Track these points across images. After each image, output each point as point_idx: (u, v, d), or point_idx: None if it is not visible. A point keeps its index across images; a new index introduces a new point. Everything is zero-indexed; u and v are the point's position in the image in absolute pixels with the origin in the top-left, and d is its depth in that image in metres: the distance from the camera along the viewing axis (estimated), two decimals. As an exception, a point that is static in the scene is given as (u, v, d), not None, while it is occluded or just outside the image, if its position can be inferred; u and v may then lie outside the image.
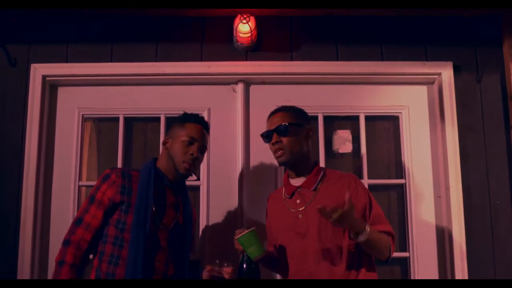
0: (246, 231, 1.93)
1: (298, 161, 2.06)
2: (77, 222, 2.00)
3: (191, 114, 2.17)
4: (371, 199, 2.04)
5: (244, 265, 1.95)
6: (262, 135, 2.12)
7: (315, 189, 2.03)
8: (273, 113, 2.12)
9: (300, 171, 2.08)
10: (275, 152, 2.06)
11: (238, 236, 1.94)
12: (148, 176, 2.05)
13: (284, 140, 2.03)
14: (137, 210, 1.98)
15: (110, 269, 1.95)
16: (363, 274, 1.97)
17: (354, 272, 1.96)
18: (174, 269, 2.07)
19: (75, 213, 2.56)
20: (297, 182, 2.08)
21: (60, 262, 1.94)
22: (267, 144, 2.10)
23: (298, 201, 2.04)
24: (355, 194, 1.99)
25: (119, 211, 2.00)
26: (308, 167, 2.08)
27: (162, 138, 2.56)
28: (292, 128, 2.04)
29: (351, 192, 1.86)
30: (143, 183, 2.03)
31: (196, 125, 2.11)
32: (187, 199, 2.20)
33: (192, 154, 2.06)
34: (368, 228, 1.85)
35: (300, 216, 2.01)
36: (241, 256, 1.97)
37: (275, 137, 2.04)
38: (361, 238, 1.84)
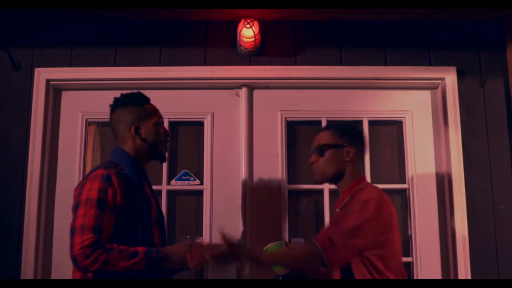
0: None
1: (335, 180, 2.03)
2: (95, 230, 1.73)
3: (142, 95, 2.05)
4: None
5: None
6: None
7: (341, 209, 1.99)
8: (319, 131, 2.11)
9: (340, 188, 2.05)
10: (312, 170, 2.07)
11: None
12: (135, 171, 1.91)
13: (320, 160, 2.02)
14: (141, 213, 1.85)
15: None
16: None
17: None
18: None
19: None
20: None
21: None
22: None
23: None
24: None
25: (121, 219, 1.80)
26: (345, 185, 2.02)
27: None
28: (328, 149, 2.01)
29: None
30: (134, 181, 1.88)
31: (151, 105, 2.05)
32: (149, 182, 2.04)
33: (165, 134, 2.03)
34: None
35: None
36: None
37: (313, 157, 2.04)
38: None
